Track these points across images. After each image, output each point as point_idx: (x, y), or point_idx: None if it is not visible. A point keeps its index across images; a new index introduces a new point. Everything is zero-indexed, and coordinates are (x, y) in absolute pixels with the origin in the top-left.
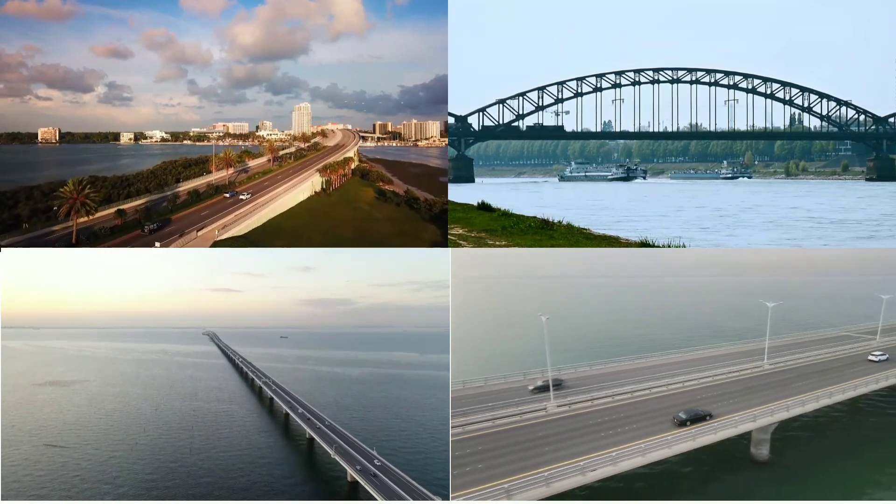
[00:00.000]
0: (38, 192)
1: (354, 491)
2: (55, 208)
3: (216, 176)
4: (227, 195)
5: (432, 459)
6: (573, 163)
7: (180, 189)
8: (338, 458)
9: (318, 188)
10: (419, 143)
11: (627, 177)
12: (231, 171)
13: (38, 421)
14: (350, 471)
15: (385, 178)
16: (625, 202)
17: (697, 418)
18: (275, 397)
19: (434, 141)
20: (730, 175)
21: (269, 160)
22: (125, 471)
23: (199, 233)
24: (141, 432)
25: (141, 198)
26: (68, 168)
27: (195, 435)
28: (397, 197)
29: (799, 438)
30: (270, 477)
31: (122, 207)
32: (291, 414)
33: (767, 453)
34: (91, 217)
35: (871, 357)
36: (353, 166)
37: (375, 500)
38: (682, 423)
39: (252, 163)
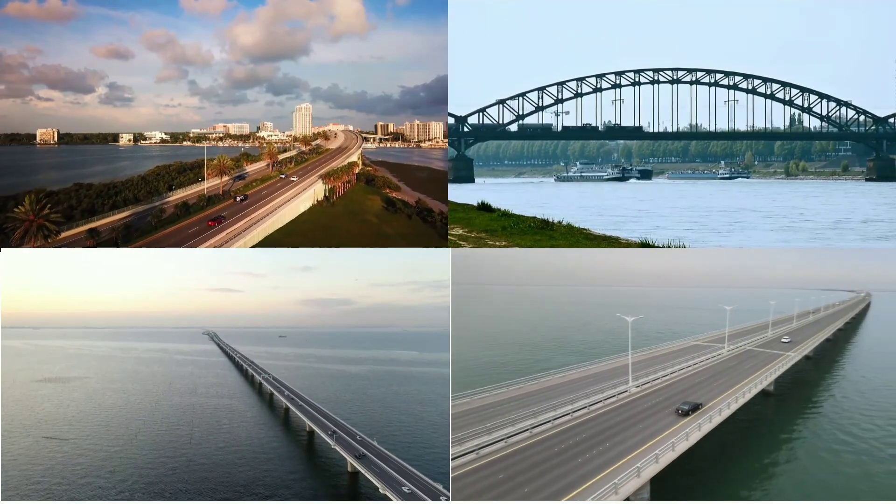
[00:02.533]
0: (12, 203)
1: (355, 481)
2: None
3: (209, 184)
4: (282, 176)
5: (432, 452)
6: (578, 163)
7: (170, 200)
8: (338, 449)
9: (321, 196)
10: (422, 145)
11: (623, 177)
12: (225, 178)
13: (38, 415)
14: (350, 460)
15: (392, 184)
16: (608, 202)
17: (695, 408)
18: (275, 392)
19: (437, 142)
20: (727, 175)
21: (267, 165)
22: (125, 463)
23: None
24: (141, 426)
25: (126, 209)
26: (59, 172)
27: (195, 429)
28: (408, 207)
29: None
30: (271, 469)
31: (94, 226)
32: (291, 408)
33: (648, 498)
34: (51, 241)
35: (782, 339)
36: (357, 171)
37: (377, 497)
38: (686, 414)
39: (250, 168)
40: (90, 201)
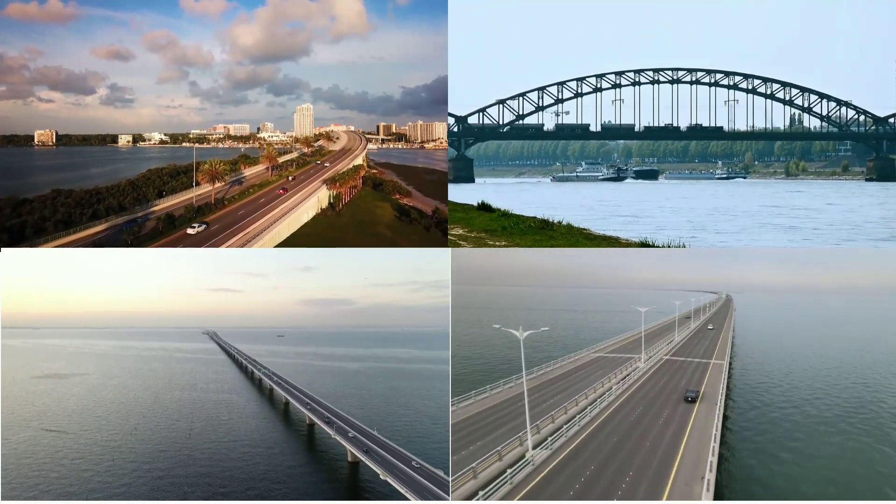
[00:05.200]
0: None
1: (355, 471)
2: None
3: (202, 191)
4: (318, 163)
5: (431, 446)
6: (583, 163)
7: (156, 209)
8: (338, 439)
9: (325, 204)
10: (426, 146)
11: (618, 177)
12: (218, 185)
13: (38, 409)
14: (350, 449)
15: (402, 189)
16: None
17: (696, 394)
18: (275, 387)
19: (441, 142)
20: (725, 175)
21: (267, 168)
22: (124, 456)
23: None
24: (140, 420)
25: (105, 221)
26: (48, 175)
27: (195, 423)
28: (424, 217)
29: None
30: (272, 461)
31: (56, 245)
32: (292, 401)
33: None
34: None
35: (708, 327)
36: (362, 174)
37: (377, 492)
38: (693, 400)
39: (248, 171)
40: (67, 210)
